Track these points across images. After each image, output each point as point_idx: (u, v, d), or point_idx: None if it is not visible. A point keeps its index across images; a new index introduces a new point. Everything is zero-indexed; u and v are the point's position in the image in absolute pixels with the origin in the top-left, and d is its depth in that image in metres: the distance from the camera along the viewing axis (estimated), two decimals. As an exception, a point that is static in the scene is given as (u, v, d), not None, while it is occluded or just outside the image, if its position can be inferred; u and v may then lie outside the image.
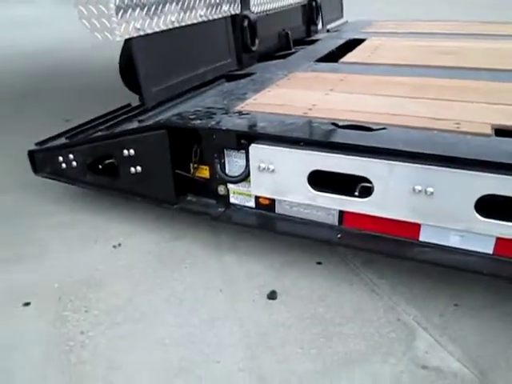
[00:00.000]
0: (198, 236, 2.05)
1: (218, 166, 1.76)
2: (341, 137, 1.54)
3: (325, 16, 3.72)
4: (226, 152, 1.75)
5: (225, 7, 2.24)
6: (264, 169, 1.62)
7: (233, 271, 1.84)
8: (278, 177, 1.61)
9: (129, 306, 1.67)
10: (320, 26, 3.68)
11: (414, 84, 2.01)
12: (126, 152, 1.88)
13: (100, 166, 2.06)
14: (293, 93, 1.99)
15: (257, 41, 2.56)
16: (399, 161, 1.42)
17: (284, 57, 2.82)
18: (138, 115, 2.13)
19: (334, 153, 1.50)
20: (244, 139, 1.65)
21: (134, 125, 1.98)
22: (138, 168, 1.90)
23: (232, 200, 1.87)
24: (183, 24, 1.97)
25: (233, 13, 2.33)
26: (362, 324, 1.58)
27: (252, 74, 2.38)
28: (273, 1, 2.81)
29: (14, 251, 1.99)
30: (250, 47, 2.51)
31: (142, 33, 1.75)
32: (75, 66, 5.39)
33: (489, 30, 3.23)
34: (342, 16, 4.25)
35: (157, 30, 1.82)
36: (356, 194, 1.56)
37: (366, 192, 1.54)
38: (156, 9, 1.80)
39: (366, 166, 1.47)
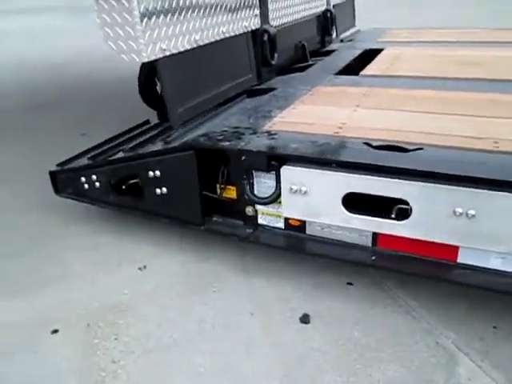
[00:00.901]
0: (224, 257, 2.01)
1: (247, 188, 1.72)
2: (377, 158, 1.50)
3: (338, 26, 3.69)
4: (254, 173, 1.72)
5: (245, 22, 2.22)
6: (296, 191, 1.58)
7: (263, 294, 1.80)
8: (310, 199, 1.58)
9: (160, 332, 1.64)
10: (334, 35, 3.65)
11: (441, 99, 1.98)
12: (151, 173, 1.86)
13: (124, 187, 2.03)
14: (319, 110, 1.96)
15: (276, 55, 2.53)
16: (440, 183, 1.39)
17: (302, 69, 2.79)
18: (160, 134, 2.10)
19: (370, 175, 1.47)
20: (275, 161, 1.62)
21: (158, 145, 1.96)
22: (164, 189, 1.87)
23: (260, 221, 1.84)
24: (207, 42, 1.94)
25: (253, 28, 2.31)
26: (399, 349, 1.53)
27: (273, 89, 2.35)
28: (290, 13, 2.79)
29: (38, 274, 1.96)
30: (270, 61, 2.48)
31: (167, 53, 1.72)
32: (87, 79, 5.39)
33: (509, 37, 3.18)
34: (354, 25, 4.23)
35: (181, 49, 1.80)
36: (392, 216, 1.52)
37: (403, 214, 1.50)
38: (181, 28, 1.78)
39: (404, 189, 1.43)
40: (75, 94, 4.79)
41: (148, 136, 2.12)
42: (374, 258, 1.62)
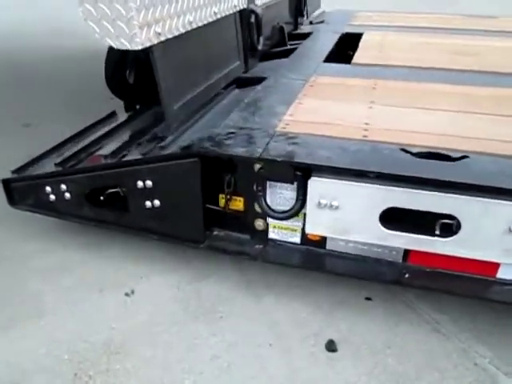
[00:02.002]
0: (223, 274, 1.76)
1: (262, 200, 1.48)
2: (421, 168, 1.32)
3: (309, 6, 3.46)
4: (268, 182, 1.48)
5: (235, 1, 1.92)
6: (325, 205, 1.37)
7: (277, 318, 1.59)
8: (341, 214, 1.37)
9: (168, 378, 1.37)
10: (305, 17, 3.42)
11: (460, 94, 1.83)
12: (140, 183, 1.54)
13: (101, 198, 1.70)
14: (330, 106, 1.74)
15: (261, 38, 2.26)
16: (495, 198, 1.24)
17: (284, 55, 2.54)
18: (141, 133, 1.78)
19: (415, 188, 1.29)
20: (299, 171, 1.39)
21: (144, 148, 1.64)
22: (156, 202, 1.57)
23: (271, 235, 1.61)
24: (200, 24, 1.63)
25: (241, 7, 2.01)
26: (440, 375, 1.40)
27: (263, 78, 2.09)
28: (272, -9, 2.51)
29: (4, 310, 1.59)
30: (256, 46, 2.21)
31: (162, 38, 1.40)
32: (28, 57, 4.70)
33: (485, 24, 3.14)
34: (320, 5, 4.02)
35: (176, 33, 1.48)
36: (436, 232, 1.35)
37: (447, 229, 1.35)
38: (175, 7, 1.45)
39: (453, 204, 1.27)
40: (13, 74, 4.15)
41: (125, 135, 1.79)
42: (407, 275, 1.47)
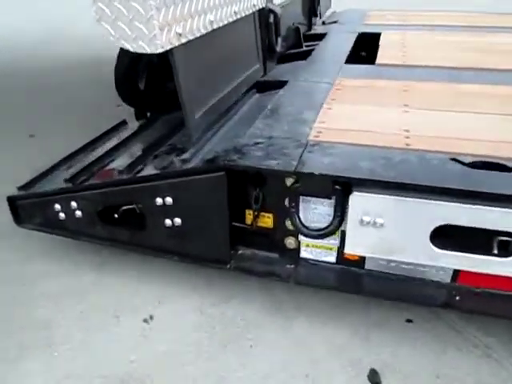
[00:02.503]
0: (249, 295, 1.62)
1: (296, 217, 1.34)
2: (476, 180, 1.18)
3: (322, 6, 3.32)
4: (301, 197, 1.34)
5: (254, 0, 1.78)
6: (368, 223, 1.22)
7: (311, 344, 1.44)
8: (388, 233, 1.23)
9: (198, 419, 1.23)
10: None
11: (503, 95, 1.69)
12: (159, 200, 1.40)
13: (115, 215, 1.56)
14: (362, 111, 1.60)
15: (279, 39, 2.13)
16: None
17: (301, 57, 2.40)
18: (157, 145, 1.64)
19: (470, 203, 1.14)
20: (338, 184, 1.25)
21: (161, 161, 1.50)
22: (177, 220, 1.43)
23: (304, 254, 1.46)
24: (220, 24, 1.49)
25: (260, 6, 1.88)
26: (500, 412, 1.26)
27: (284, 82, 1.95)
28: (288, -10, 2.37)
29: (13, 339, 1.45)
30: (275, 47, 2.07)
31: (183, 40, 1.26)
32: (24, 66, 4.57)
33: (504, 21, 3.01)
34: (330, 5, 3.88)
35: (197, 34, 1.34)
36: (494, 251, 1.21)
37: (504, 248, 1.20)
38: (196, 5, 1.32)
39: (518, 220, 1.13)
40: (16, 84, 4.01)
41: (138, 147, 1.64)
42: (457, 297, 1.32)
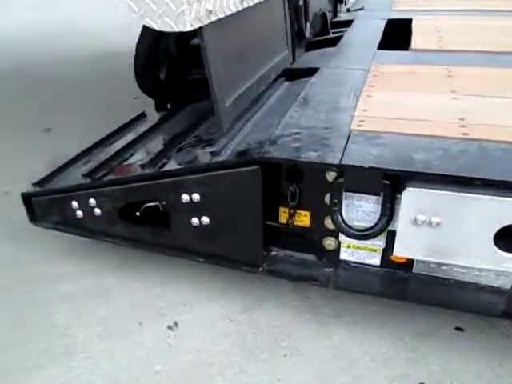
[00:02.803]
0: (282, 299, 1.49)
1: (338, 215, 1.20)
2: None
3: (346, -8, 3.16)
4: (345, 193, 1.20)
5: (283, -20, 1.65)
6: (423, 222, 1.08)
7: (352, 355, 1.31)
8: (445, 234, 1.08)
9: None
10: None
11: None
12: (185, 197, 1.28)
13: (137, 213, 1.44)
14: (406, 98, 1.45)
15: (308, 25, 1.98)
16: None
17: (329, 44, 2.25)
18: (181, 136, 1.51)
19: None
20: (387, 179, 1.11)
21: (190, 154, 1.37)
22: (205, 219, 1.30)
23: (344, 256, 1.33)
24: (250, 3, 1.36)
25: (289, -13, 1.74)
26: None
27: (315, 69, 1.81)
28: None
29: (30, 346, 1.35)
30: (304, 33, 1.93)
31: (213, 18, 1.13)
32: (33, 60, 4.49)
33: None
34: (354, -8, 3.71)
35: (227, 13, 1.21)
36: None
37: None
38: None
39: None
40: (27, 81, 3.93)
41: (161, 139, 1.52)
42: (522, 306, 1.18)
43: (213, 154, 1.20)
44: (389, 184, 1.11)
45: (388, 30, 2.49)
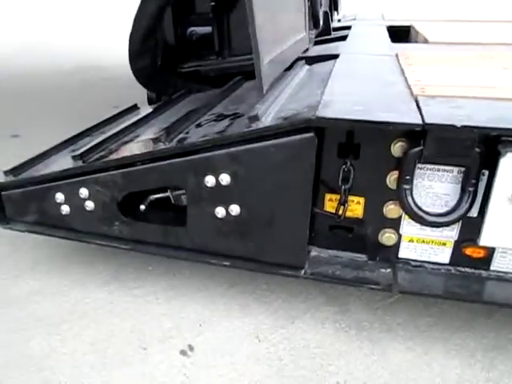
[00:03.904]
0: (316, 314, 1.22)
1: (409, 197, 0.96)
2: None
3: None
4: (417, 170, 0.97)
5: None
6: (525, 199, 0.86)
7: (420, 376, 1.04)
8: (552, 212, 0.86)
9: None
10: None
11: None
12: (210, 180, 1.01)
13: (142, 207, 1.15)
14: (457, 71, 1.26)
15: (321, 14, 1.81)
16: None
17: (337, 40, 2.08)
18: (197, 113, 1.25)
19: None
20: (480, 145, 0.88)
21: (215, 127, 1.10)
22: (234, 208, 1.02)
23: (404, 253, 1.08)
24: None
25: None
26: None
27: (335, 55, 1.61)
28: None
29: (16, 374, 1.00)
30: (319, 21, 1.75)
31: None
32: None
33: None
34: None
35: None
36: None
37: None
38: None
39: None
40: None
41: (170, 119, 1.25)
42: None
43: (252, 119, 0.94)
44: (479, 152, 0.89)
45: (390, 33, 2.37)
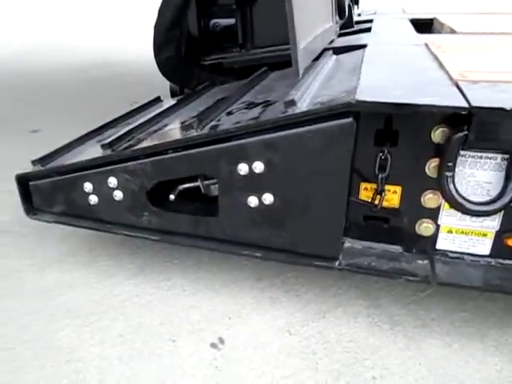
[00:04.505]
0: (348, 309, 1.18)
1: (451, 184, 0.92)
2: None
3: (356, -3, 3.02)
4: (460, 158, 0.93)
5: None
6: None
7: (458, 373, 1.00)
8: None
9: None
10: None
11: None
12: (243, 168, 0.98)
13: (171, 197, 1.13)
14: (496, 58, 1.23)
15: (347, 4, 1.78)
16: None
17: (361, 31, 2.05)
18: (227, 101, 1.22)
19: None
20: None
21: (247, 115, 1.07)
22: (267, 197, 1.00)
23: (442, 244, 1.05)
24: None
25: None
26: None
27: (362, 45, 1.57)
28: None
29: (31, 375, 0.98)
30: (345, 11, 1.72)
31: None
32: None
33: None
34: (359, 2, 3.60)
35: None
36: None
37: None
38: None
39: None
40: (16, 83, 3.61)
41: (199, 108, 1.23)
42: None
43: (288, 104, 0.91)
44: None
45: (413, 26, 2.32)
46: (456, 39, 1.65)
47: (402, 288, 1.25)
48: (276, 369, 1.01)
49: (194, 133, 1.00)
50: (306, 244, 1.03)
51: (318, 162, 0.93)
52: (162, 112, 1.30)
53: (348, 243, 1.10)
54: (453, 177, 0.92)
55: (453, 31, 1.89)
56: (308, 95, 1.00)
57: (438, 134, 0.92)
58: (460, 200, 0.92)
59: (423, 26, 2.38)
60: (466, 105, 0.82)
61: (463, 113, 0.82)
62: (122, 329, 1.12)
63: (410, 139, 0.96)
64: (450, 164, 0.91)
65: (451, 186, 0.92)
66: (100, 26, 6.74)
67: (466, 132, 0.86)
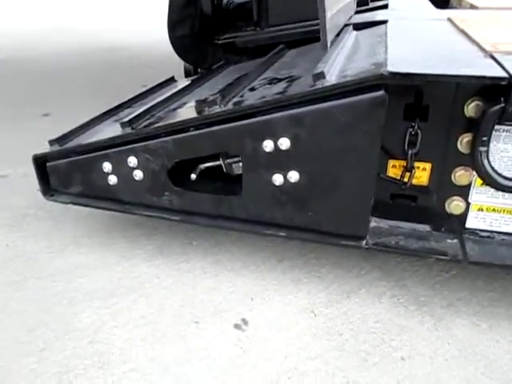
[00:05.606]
0: (372, 289, 1.16)
1: (485, 159, 0.89)
2: None
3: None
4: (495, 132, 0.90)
5: None
6: None
7: (487, 353, 0.98)
8: None
9: None
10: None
11: None
12: (269, 145, 0.95)
13: (193, 176, 1.10)
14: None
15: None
16: None
17: (378, 8, 1.99)
18: (247, 78, 1.19)
19: None
20: None
21: (271, 90, 1.04)
22: (293, 175, 0.97)
23: (472, 223, 1.02)
24: None
25: None
26: None
27: (383, 21, 1.52)
28: None
29: (53, 358, 0.97)
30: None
31: None
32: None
33: None
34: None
35: None
36: None
37: None
38: None
39: None
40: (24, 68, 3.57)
41: (218, 85, 1.19)
42: None
43: (317, 76, 0.88)
44: None
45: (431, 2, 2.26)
46: (479, 14, 1.60)
47: (427, 269, 1.22)
48: (302, 350, 1.00)
49: (217, 109, 0.97)
50: (332, 223, 1.01)
51: (347, 137, 0.90)
52: (180, 91, 1.27)
53: (374, 222, 1.07)
54: (487, 152, 0.89)
55: (473, 7, 1.83)
56: (335, 69, 0.96)
57: (471, 108, 0.89)
58: (494, 176, 0.89)
59: (440, 2, 2.31)
60: (505, 75, 0.78)
61: (503, 83, 0.79)
62: (144, 310, 1.11)
63: (442, 114, 0.92)
64: (484, 138, 0.87)
65: (485, 162, 0.88)
66: (108, 10, 6.66)
67: (502, 104, 0.83)
